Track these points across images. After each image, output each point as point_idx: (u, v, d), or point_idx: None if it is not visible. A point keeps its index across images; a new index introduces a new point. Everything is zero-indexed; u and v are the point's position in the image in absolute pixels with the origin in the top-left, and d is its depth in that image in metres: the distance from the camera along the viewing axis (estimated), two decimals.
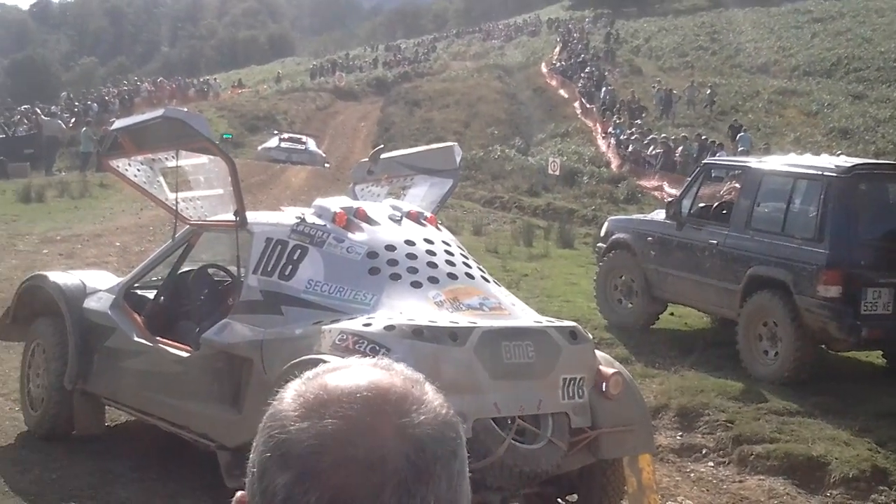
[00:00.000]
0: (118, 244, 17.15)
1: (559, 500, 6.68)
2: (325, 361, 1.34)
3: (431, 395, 1.18)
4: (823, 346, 10.93)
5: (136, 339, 7.26)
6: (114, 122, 8.87)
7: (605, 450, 6.16)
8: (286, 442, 1.11)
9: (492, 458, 5.57)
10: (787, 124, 41.65)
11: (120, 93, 58.67)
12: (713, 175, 13.85)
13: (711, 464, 8.49)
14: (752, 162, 12.56)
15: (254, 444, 1.15)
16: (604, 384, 6.16)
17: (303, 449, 1.10)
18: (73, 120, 46.46)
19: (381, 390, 1.15)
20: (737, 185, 12.42)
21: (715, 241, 11.59)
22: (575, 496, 6.64)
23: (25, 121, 38.13)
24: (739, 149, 35.03)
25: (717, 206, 12.57)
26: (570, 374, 5.98)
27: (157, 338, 7.18)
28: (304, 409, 1.13)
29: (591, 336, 6.63)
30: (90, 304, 7.74)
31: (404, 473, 1.09)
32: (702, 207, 12.54)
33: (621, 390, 6.23)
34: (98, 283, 8.02)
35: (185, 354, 6.83)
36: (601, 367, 6.27)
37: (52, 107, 52.97)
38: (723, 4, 79.17)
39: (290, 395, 1.16)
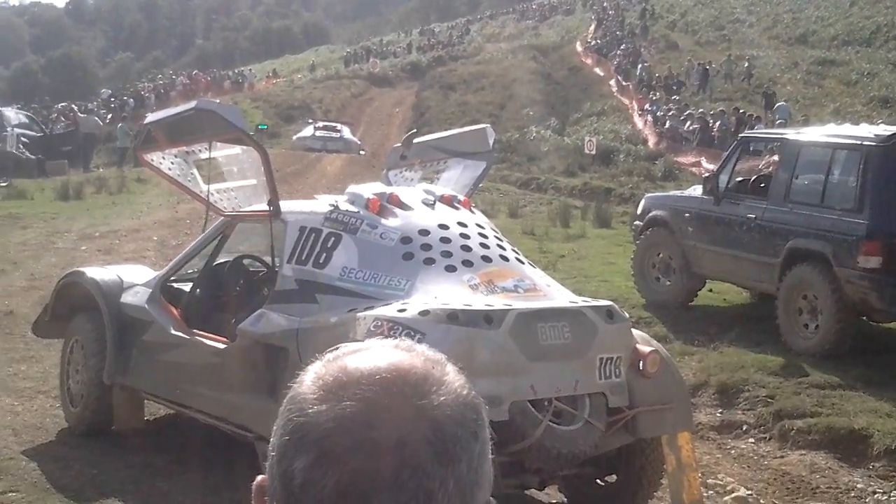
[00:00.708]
0: (155, 238, 17.26)
1: (598, 481, 6.65)
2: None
3: (452, 376, 1.17)
4: (864, 317, 10.81)
5: (173, 332, 7.29)
6: (148, 116, 8.92)
7: (643, 429, 6.12)
8: (304, 425, 1.10)
9: (529, 440, 5.54)
10: (826, 95, 41.20)
11: (156, 87, 59.15)
12: (751, 148, 13.75)
13: (752, 440, 8.42)
14: (790, 133, 12.41)
15: (273, 427, 1.15)
16: (641, 363, 6.11)
17: (321, 432, 1.09)
18: (109, 116, 46.82)
19: (401, 372, 1.14)
20: (775, 158, 12.29)
21: (753, 216, 11.48)
22: (614, 477, 6.60)
23: (63, 119, 38.44)
24: (777, 119, 34.83)
25: (755, 180, 12.46)
26: (606, 354, 5.94)
27: (194, 330, 7.21)
28: (323, 392, 1.12)
29: (627, 315, 6.58)
30: (127, 298, 7.78)
31: (423, 455, 1.08)
32: (739, 182, 12.43)
33: (659, 368, 6.18)
34: (135, 278, 8.07)
35: (221, 346, 6.84)
36: (638, 345, 6.22)
37: (89, 104, 53.38)
38: None
39: (310, 378, 1.16)
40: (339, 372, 1.14)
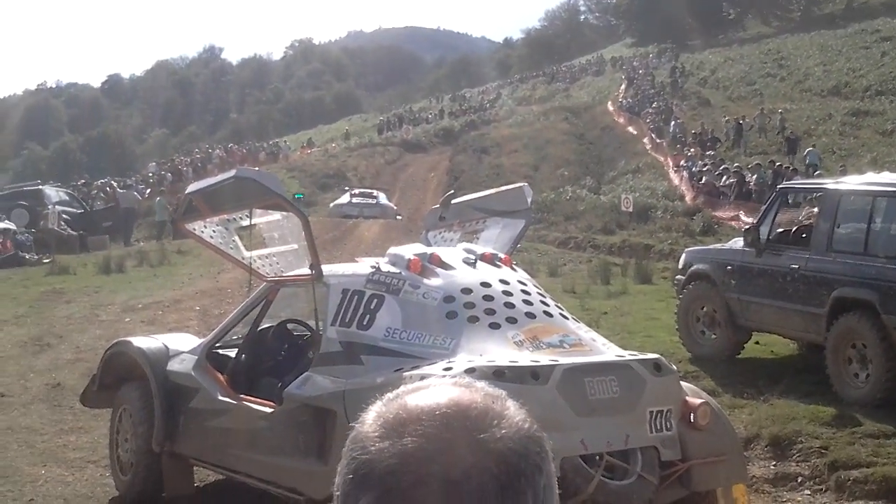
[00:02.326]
0: (198, 308, 17.36)
1: None
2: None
3: (513, 410, 1.17)
4: None
5: (220, 397, 7.30)
6: (188, 187, 9.02)
7: (697, 482, 6.03)
8: (367, 463, 1.11)
9: (582, 496, 5.48)
10: (862, 145, 41.06)
11: (192, 161, 59.79)
12: (789, 200, 13.69)
13: (808, 492, 8.28)
14: (829, 183, 12.35)
15: (338, 468, 1.15)
16: (692, 415, 6.04)
17: (383, 468, 1.09)
18: (148, 191, 47.36)
19: (461, 407, 1.14)
20: (815, 209, 12.23)
21: (796, 266, 11.40)
22: None
23: (102, 195, 38.94)
24: (807, 162, 34.91)
25: (795, 231, 12.39)
26: (656, 407, 5.88)
27: (241, 395, 7.21)
28: (384, 430, 1.13)
29: (675, 367, 6.52)
30: (174, 366, 7.82)
31: (487, 489, 1.08)
32: (780, 233, 12.36)
33: (710, 420, 6.11)
34: (180, 346, 8.11)
35: (268, 410, 6.84)
36: (688, 397, 6.16)
37: (128, 179, 54.06)
38: (788, 30, 78.74)
39: (371, 417, 1.17)
40: (399, 409, 1.15)
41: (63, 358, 13.50)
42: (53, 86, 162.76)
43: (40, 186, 37.17)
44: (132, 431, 7.96)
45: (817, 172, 31.35)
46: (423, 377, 4.95)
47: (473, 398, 1.15)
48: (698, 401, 6.16)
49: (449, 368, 5.69)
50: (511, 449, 1.11)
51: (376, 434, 1.12)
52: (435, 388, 1.18)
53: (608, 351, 6.25)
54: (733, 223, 29.77)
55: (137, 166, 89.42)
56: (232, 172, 7.87)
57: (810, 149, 38.24)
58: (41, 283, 21.34)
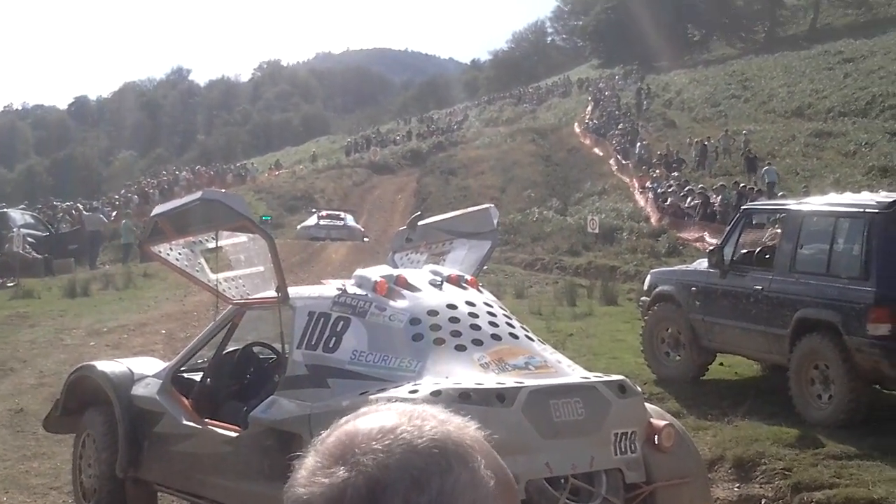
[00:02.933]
0: (164, 332, 17.27)
1: None
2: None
3: (417, 424, 1.17)
4: (877, 385, 10.75)
5: (184, 422, 7.26)
6: (154, 208, 8.98)
7: None
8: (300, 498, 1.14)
9: None
10: (825, 166, 41.41)
11: (159, 183, 59.52)
12: (753, 221, 13.79)
13: None
14: (792, 204, 12.45)
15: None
16: (656, 437, 6.08)
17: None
18: (114, 213, 47.11)
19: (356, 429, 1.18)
20: (778, 229, 12.33)
21: (760, 287, 11.48)
22: None
23: (68, 217, 38.69)
24: (766, 181, 35.31)
25: (759, 252, 12.48)
26: (621, 429, 5.91)
27: (206, 419, 7.18)
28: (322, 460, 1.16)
29: (639, 389, 6.56)
30: (138, 390, 7.77)
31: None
32: (744, 254, 12.45)
33: (674, 442, 6.14)
34: (145, 370, 8.06)
35: (234, 434, 6.82)
36: (652, 419, 6.19)
37: (94, 202, 53.74)
38: (752, 52, 79.45)
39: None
40: (340, 435, 1.18)
41: (26, 383, 13.39)
42: (20, 108, 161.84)
43: (5, 209, 36.87)
44: (96, 457, 7.90)
45: (780, 193, 31.53)
46: (388, 400, 4.96)
47: (423, 416, 1.18)
48: (663, 423, 6.19)
49: (415, 391, 5.70)
50: (383, 464, 1.12)
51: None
52: (384, 412, 1.20)
53: (573, 373, 6.28)
54: (698, 244, 29.93)
55: (104, 188, 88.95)
56: (198, 194, 7.86)
57: (767, 166, 38.76)
58: (5, 307, 21.16)
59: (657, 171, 42.79)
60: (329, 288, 6.95)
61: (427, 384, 5.77)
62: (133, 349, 15.13)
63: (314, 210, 45.51)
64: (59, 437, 9.41)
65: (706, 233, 30.35)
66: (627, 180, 45.22)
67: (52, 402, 9.26)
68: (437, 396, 5.55)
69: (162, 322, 18.41)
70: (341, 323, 6.54)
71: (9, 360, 14.99)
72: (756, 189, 34.00)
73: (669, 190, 36.88)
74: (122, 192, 61.84)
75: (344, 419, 1.21)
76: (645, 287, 14.01)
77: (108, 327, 17.89)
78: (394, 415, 1.18)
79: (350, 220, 41.75)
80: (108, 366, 8.23)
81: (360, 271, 7.02)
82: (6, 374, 14.04)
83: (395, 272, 6.93)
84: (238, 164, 77.14)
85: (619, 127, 55.30)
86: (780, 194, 29.68)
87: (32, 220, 36.42)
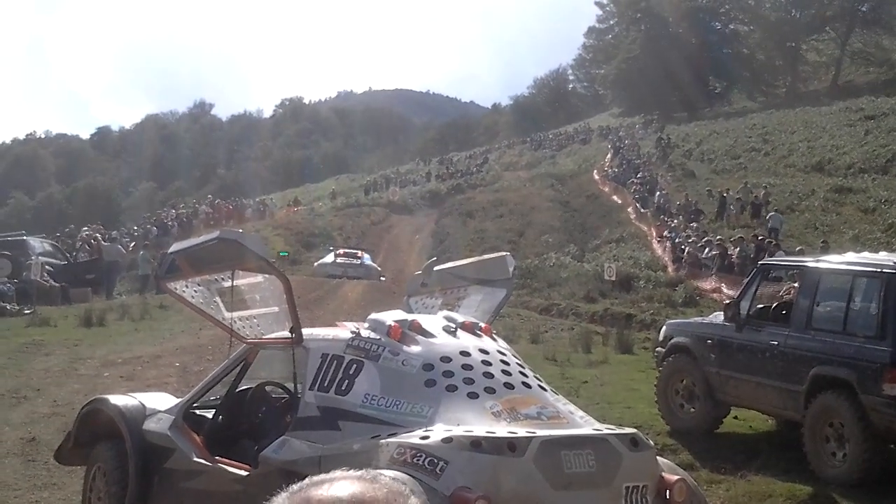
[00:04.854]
0: (177, 365, 17.28)
1: None
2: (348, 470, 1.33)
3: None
4: (893, 445, 10.67)
5: (195, 459, 7.26)
6: (172, 245, 9.02)
7: None
8: None
9: None
10: (844, 222, 41.32)
11: (178, 215, 59.69)
12: (771, 275, 13.77)
13: None
14: (810, 261, 12.44)
15: None
16: (668, 492, 6.04)
17: None
18: (132, 244, 47.29)
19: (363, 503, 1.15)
20: (795, 285, 12.30)
21: (776, 342, 11.45)
22: None
23: (87, 247, 38.83)
24: (769, 226, 35.42)
25: (776, 307, 12.46)
26: (632, 483, 5.88)
27: (217, 457, 7.18)
28: None
29: (652, 443, 6.52)
30: (150, 425, 7.78)
31: None
32: (761, 308, 12.43)
33: (686, 497, 6.10)
34: (158, 405, 8.07)
35: (244, 473, 6.81)
36: (664, 473, 6.15)
37: (113, 232, 53.95)
38: (773, 106, 79.52)
39: None
40: (302, 503, 1.16)
41: (39, 412, 13.39)
42: (42, 136, 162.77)
43: (24, 237, 37.06)
44: (105, 490, 7.90)
45: (798, 248, 31.45)
46: (399, 445, 4.96)
47: (376, 495, 1.16)
48: (674, 477, 6.16)
49: (426, 437, 5.69)
50: None
51: None
52: (339, 481, 1.19)
53: (586, 424, 6.26)
54: (715, 295, 29.88)
55: (123, 219, 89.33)
56: (216, 233, 7.88)
57: (773, 213, 38.84)
58: (21, 335, 21.20)
59: (675, 220, 42.77)
60: (343, 330, 6.95)
61: (438, 431, 5.75)
62: (147, 381, 15.14)
63: (331, 248, 45.56)
64: (71, 468, 9.41)
65: (723, 284, 30.32)
66: (645, 229, 45.22)
67: (64, 431, 9.27)
68: (448, 443, 5.55)
69: (176, 355, 18.43)
70: (354, 366, 6.54)
71: (22, 388, 15.01)
72: (773, 243, 33.96)
73: (688, 240, 36.86)
74: (141, 223, 62.10)
75: (298, 486, 1.21)
76: (660, 338, 13.99)
77: (122, 358, 17.91)
78: (380, 490, 1.18)
79: (367, 259, 41.76)
80: (121, 400, 8.25)
81: (374, 315, 7.02)
82: (20, 403, 14.05)
83: (410, 317, 6.93)
84: (257, 200, 77.38)
85: (639, 176, 55.36)
86: (798, 249, 29.64)
87: (51, 249, 36.61)
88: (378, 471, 1.20)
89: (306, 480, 1.20)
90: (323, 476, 1.20)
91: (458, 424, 5.83)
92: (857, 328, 10.75)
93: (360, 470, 1.22)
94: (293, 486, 1.19)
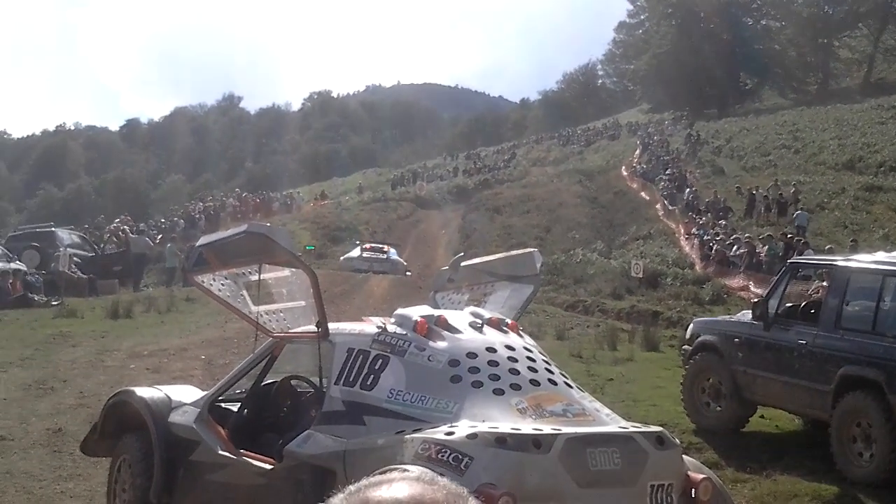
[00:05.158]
0: (203, 357, 17.34)
1: None
2: (406, 471, 1.31)
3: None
4: None
5: (220, 452, 7.28)
6: (199, 238, 9.05)
7: None
8: None
9: None
10: (874, 220, 41.01)
11: (206, 208, 59.88)
12: (800, 274, 13.68)
13: None
14: (840, 260, 12.35)
15: None
16: (693, 490, 6.00)
17: None
18: (159, 237, 47.50)
19: None
20: (824, 284, 12.21)
21: (804, 342, 11.37)
22: None
23: (114, 239, 39.03)
24: (796, 224, 35.33)
25: (805, 306, 12.38)
26: (657, 481, 5.84)
27: (242, 450, 7.19)
28: None
29: (678, 441, 6.48)
30: (175, 418, 7.81)
31: None
32: (789, 307, 12.35)
33: (711, 496, 6.06)
34: (183, 397, 8.10)
35: (268, 467, 6.82)
36: (690, 472, 6.11)
37: (141, 224, 54.21)
38: (804, 103, 79.04)
39: None
40: None
41: (66, 403, 13.48)
42: (72, 127, 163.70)
43: (53, 228, 37.29)
44: (130, 482, 7.94)
45: (828, 247, 31.26)
46: (424, 441, 4.94)
47: (436, 497, 1.15)
48: (700, 476, 6.11)
49: (451, 433, 5.67)
50: None
51: None
52: (398, 483, 1.17)
53: (612, 422, 6.23)
54: (743, 293, 29.72)
55: (151, 211, 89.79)
56: (244, 227, 7.90)
57: (799, 211, 38.69)
58: (48, 326, 21.35)
59: (704, 217, 42.55)
60: (369, 325, 6.95)
61: (463, 426, 5.73)
62: (172, 373, 15.21)
63: (358, 242, 45.63)
64: (96, 459, 9.46)
65: (751, 282, 30.15)
66: (673, 226, 45.02)
67: (90, 423, 9.32)
68: (473, 439, 5.53)
69: (202, 347, 18.50)
70: (380, 361, 6.53)
71: (49, 379, 15.10)
72: (802, 241, 33.73)
73: (716, 238, 36.68)
74: (169, 215, 62.41)
75: (355, 487, 1.19)
76: (687, 335, 13.93)
77: (148, 350, 18.00)
78: (440, 492, 1.16)
79: (393, 253, 41.79)
80: (147, 392, 8.28)
81: (400, 310, 7.01)
82: (46, 393, 14.15)
83: (436, 313, 6.91)
84: (284, 193, 77.57)
85: (667, 172, 55.12)
86: (827, 248, 29.46)
87: (79, 240, 36.83)
88: (432, 473, 1.18)
89: (364, 480, 1.18)
90: (381, 477, 1.19)
91: (484, 421, 5.81)
92: (887, 328, 10.66)
93: (417, 470, 1.20)
94: (350, 486, 1.18)
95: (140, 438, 7.99)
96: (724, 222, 40.78)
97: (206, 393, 8.14)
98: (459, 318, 6.90)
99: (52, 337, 19.61)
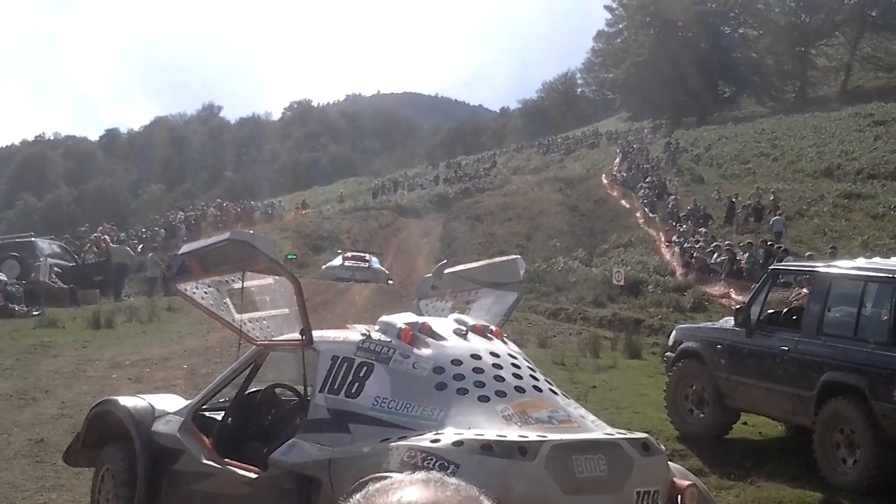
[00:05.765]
0: (185, 367, 17.28)
1: None
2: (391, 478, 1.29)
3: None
4: None
5: (204, 461, 7.25)
6: (182, 247, 9.02)
7: None
8: None
9: None
10: (853, 228, 41.19)
11: (187, 218, 59.69)
12: (781, 280, 13.72)
13: None
14: (821, 266, 12.40)
15: None
16: (679, 497, 6.01)
17: None
18: (140, 246, 47.30)
19: None
20: (805, 290, 12.26)
21: (786, 348, 11.41)
22: None
23: (95, 248, 38.85)
24: (773, 230, 35.59)
25: (786, 312, 12.42)
26: (643, 487, 5.85)
27: (226, 459, 7.16)
28: None
29: (663, 447, 6.50)
30: (159, 427, 7.77)
31: None
32: (771, 313, 12.40)
33: (697, 503, 6.07)
34: (166, 406, 8.07)
35: (253, 475, 6.80)
36: (675, 479, 6.13)
37: (121, 234, 53.97)
38: (782, 111, 79.41)
39: None
40: None
41: (47, 413, 13.40)
42: (51, 137, 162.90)
43: (32, 238, 37.09)
44: (114, 492, 7.88)
45: (808, 254, 31.40)
46: (409, 448, 4.93)
47: (449, 501, 1.14)
48: (685, 482, 6.13)
49: (437, 440, 5.67)
50: None
51: None
52: (407, 487, 1.15)
53: (597, 428, 6.23)
54: (724, 301, 29.81)
55: (132, 221, 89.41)
56: (226, 235, 7.87)
57: (776, 217, 38.87)
58: (29, 336, 21.24)
59: (684, 225, 42.67)
60: (353, 333, 6.94)
61: (449, 434, 5.73)
62: (155, 383, 15.15)
63: (340, 251, 45.58)
64: (79, 469, 9.41)
65: (732, 290, 30.24)
66: (654, 234, 45.14)
67: (73, 433, 9.27)
68: (459, 447, 5.53)
69: (184, 357, 18.43)
70: (365, 368, 6.53)
71: (31, 389, 15.02)
72: (782, 248, 33.86)
73: (696, 245, 36.78)
74: (149, 225, 62.16)
75: (361, 495, 1.17)
76: (670, 342, 13.95)
77: (130, 360, 17.93)
78: (453, 497, 1.15)
79: (375, 262, 41.76)
80: (130, 401, 8.24)
81: (384, 318, 7.01)
82: (28, 404, 14.07)
83: (420, 320, 6.92)
84: (265, 202, 77.46)
85: (647, 180, 55.26)
86: (806, 254, 29.57)
87: (59, 250, 36.63)
88: (440, 474, 1.16)
89: (369, 487, 1.16)
90: (386, 482, 1.16)
91: (469, 428, 5.81)
92: (868, 334, 10.71)
93: (423, 473, 1.18)
94: (356, 495, 1.16)
95: (123, 448, 7.94)
96: (704, 230, 40.88)
97: (189, 402, 8.10)
98: (444, 325, 6.90)
99: (33, 347, 19.50)
